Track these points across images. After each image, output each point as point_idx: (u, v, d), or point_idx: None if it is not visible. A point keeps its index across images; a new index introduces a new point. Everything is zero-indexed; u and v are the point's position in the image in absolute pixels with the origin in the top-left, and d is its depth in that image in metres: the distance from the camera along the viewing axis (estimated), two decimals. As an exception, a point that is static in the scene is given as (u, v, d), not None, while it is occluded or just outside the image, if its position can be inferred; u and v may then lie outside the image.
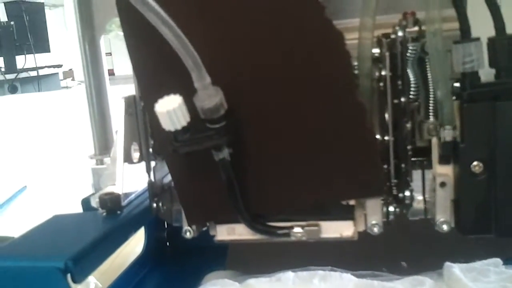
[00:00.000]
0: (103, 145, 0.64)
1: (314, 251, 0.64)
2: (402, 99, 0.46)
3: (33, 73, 3.16)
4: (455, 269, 0.57)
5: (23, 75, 3.13)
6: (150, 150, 0.54)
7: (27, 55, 3.09)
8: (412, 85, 0.47)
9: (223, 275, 0.65)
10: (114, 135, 0.59)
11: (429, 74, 0.47)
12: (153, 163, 0.55)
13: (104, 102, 0.64)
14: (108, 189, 0.55)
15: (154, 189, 0.53)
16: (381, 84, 0.47)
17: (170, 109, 0.41)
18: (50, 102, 2.40)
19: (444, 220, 0.47)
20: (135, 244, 0.79)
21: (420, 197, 0.49)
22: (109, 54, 3.47)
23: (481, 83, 0.44)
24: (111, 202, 0.53)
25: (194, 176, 0.49)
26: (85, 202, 0.59)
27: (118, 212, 0.53)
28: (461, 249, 0.61)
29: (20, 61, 3.09)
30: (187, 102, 0.42)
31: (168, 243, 0.76)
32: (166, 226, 0.76)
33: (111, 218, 0.52)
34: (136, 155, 0.56)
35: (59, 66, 3.38)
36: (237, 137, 0.45)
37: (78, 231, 0.50)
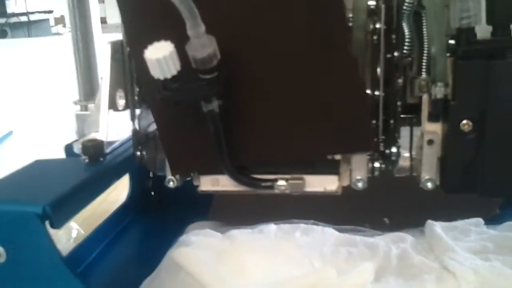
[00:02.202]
0: (88, 91, 0.62)
1: (297, 206, 0.64)
2: (395, 54, 0.45)
3: (24, 18, 3.09)
4: (436, 227, 0.57)
5: (13, 20, 3.05)
6: (136, 97, 0.53)
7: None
8: (406, 40, 0.46)
9: (206, 225, 0.65)
10: (100, 81, 0.58)
11: (424, 30, 0.45)
12: (138, 111, 0.53)
13: (90, 45, 0.62)
14: (92, 136, 0.54)
15: (138, 137, 0.52)
16: (375, 37, 0.45)
17: (161, 57, 0.40)
18: (40, 48, 2.35)
19: (429, 178, 0.47)
20: (120, 192, 0.79)
21: (406, 154, 0.48)
22: (102, 1, 3.39)
23: (476, 40, 0.43)
24: (94, 149, 0.51)
25: (179, 126, 0.48)
26: (68, 148, 0.58)
27: (101, 159, 0.52)
28: (444, 208, 0.61)
29: (11, 6, 3.01)
30: (177, 50, 0.41)
31: (152, 193, 0.76)
32: (151, 176, 0.75)
33: (93, 165, 0.51)
34: (121, 102, 0.54)
35: (50, 12, 3.30)
36: (227, 89, 0.44)
37: (59, 177, 0.49)
